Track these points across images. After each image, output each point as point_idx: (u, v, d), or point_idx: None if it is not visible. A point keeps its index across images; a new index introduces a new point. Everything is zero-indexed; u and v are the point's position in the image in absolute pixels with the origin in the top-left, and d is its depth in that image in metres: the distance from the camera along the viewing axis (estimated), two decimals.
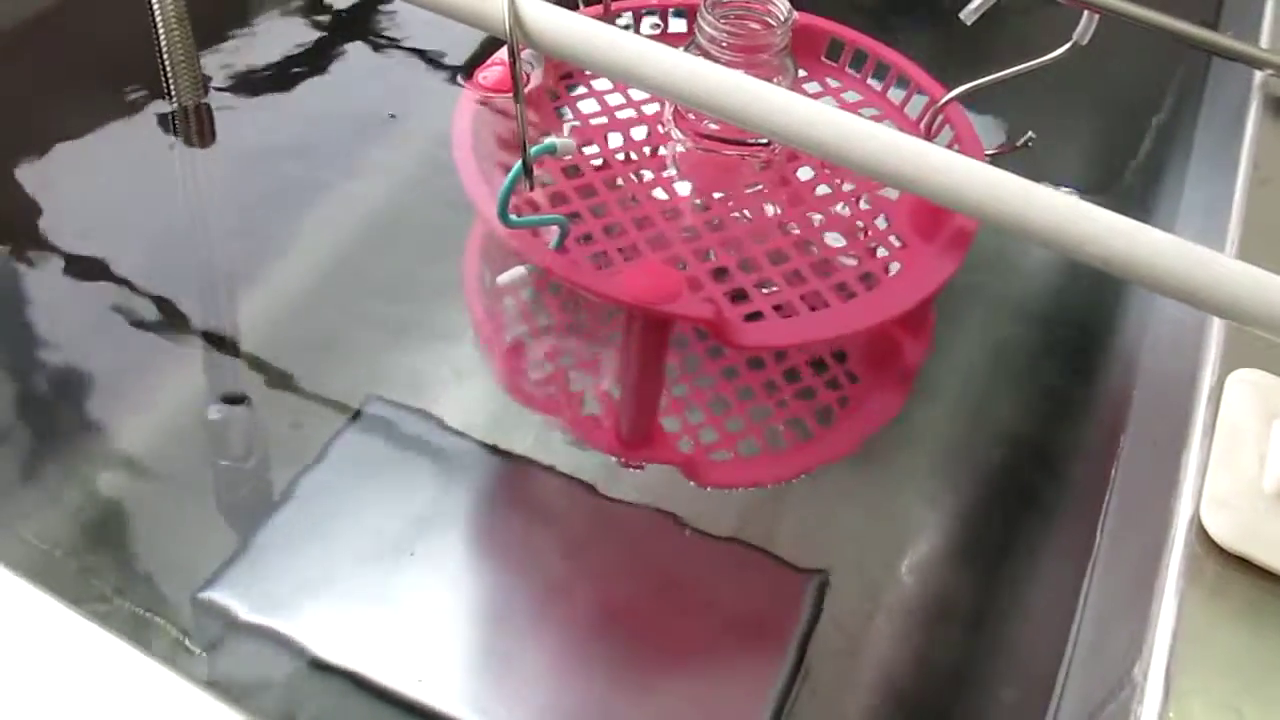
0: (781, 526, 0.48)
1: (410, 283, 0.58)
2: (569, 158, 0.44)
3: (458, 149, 0.45)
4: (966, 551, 0.48)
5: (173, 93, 0.56)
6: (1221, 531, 0.30)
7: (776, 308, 0.42)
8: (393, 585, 0.44)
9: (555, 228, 0.42)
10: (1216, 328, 0.36)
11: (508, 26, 0.32)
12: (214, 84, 0.63)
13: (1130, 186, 0.64)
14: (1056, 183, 0.64)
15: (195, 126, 0.58)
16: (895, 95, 0.52)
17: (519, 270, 0.47)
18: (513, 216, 0.40)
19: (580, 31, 0.32)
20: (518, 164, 0.38)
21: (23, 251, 0.55)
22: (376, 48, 0.70)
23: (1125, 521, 0.37)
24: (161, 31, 0.52)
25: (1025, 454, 0.52)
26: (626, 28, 0.53)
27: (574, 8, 0.52)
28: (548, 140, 0.39)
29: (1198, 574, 0.30)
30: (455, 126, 0.46)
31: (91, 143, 0.61)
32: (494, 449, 0.49)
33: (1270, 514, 0.30)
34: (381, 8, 0.71)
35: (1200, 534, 0.30)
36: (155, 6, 0.51)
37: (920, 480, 0.51)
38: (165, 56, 0.54)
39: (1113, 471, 0.40)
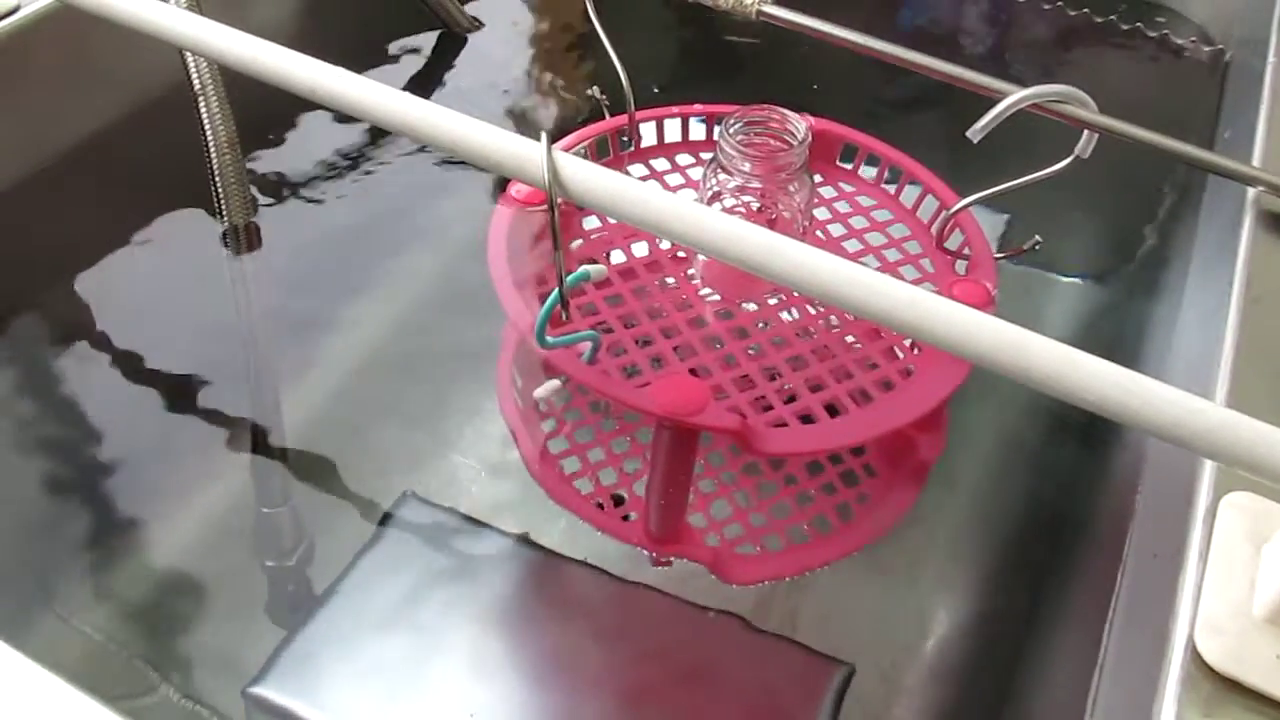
0: (802, 613, 0.49)
1: (446, 384, 0.59)
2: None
3: (493, 264, 0.47)
4: (983, 638, 0.50)
5: (224, 212, 0.59)
6: (1214, 655, 0.32)
7: (798, 413, 0.44)
8: (433, 678, 0.45)
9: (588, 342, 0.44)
10: None
11: (547, 182, 0.35)
12: (256, 188, 0.65)
13: (1136, 274, 0.66)
14: (1066, 271, 0.66)
15: (245, 243, 0.61)
16: (908, 194, 0.54)
17: (554, 383, 0.50)
18: (548, 338, 0.42)
19: (613, 188, 0.34)
20: (554, 293, 0.40)
21: (79, 353, 0.58)
22: (412, 154, 0.72)
23: (1128, 630, 0.39)
24: (214, 155, 0.55)
25: (1038, 544, 0.53)
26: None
27: (600, 116, 0.55)
28: (582, 269, 0.41)
29: (1193, 695, 0.32)
30: (491, 240, 0.48)
31: (144, 251, 0.63)
32: (527, 541, 0.50)
33: (1260, 638, 0.32)
34: None
35: (1195, 656, 0.32)
36: (208, 132, 0.54)
37: (939, 565, 0.52)
38: (217, 179, 0.56)
39: (1119, 574, 0.42)
